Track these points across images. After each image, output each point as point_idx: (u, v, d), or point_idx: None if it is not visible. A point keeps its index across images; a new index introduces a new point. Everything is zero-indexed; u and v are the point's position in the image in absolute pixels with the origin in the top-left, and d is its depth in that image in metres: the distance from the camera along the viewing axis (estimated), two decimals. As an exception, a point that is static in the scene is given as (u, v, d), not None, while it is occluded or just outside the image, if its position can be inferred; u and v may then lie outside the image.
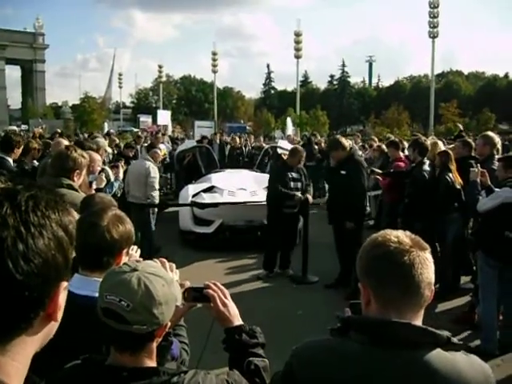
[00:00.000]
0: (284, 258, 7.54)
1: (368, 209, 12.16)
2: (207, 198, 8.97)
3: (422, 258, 1.37)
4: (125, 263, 1.48)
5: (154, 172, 8.10)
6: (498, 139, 6.75)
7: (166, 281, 1.44)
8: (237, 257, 8.21)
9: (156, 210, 8.47)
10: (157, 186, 8.20)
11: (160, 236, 8.70)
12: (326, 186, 11.60)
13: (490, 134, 6.70)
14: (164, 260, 2.74)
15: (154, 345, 1.44)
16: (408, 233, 1.44)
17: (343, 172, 6.73)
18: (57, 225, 0.81)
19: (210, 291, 1.74)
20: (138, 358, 1.41)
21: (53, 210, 0.81)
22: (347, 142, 7.17)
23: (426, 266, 1.37)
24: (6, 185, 0.80)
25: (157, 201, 8.27)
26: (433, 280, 1.39)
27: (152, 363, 1.43)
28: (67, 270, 0.85)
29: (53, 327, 0.85)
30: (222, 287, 1.80)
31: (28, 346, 0.81)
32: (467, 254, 6.71)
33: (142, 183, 7.92)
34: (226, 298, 1.77)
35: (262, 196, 8.86)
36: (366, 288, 1.43)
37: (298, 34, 58.85)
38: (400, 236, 1.40)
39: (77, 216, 1.91)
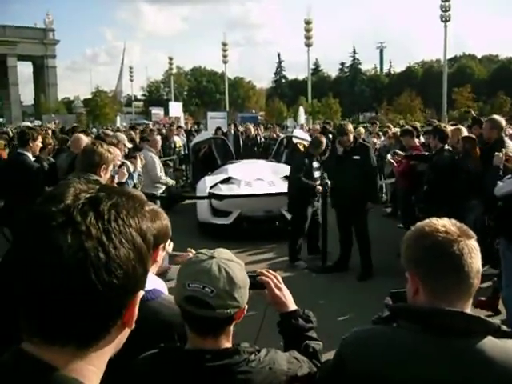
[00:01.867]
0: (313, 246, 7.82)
1: (384, 196, 12.16)
2: (224, 189, 8.98)
3: (471, 247, 1.38)
4: (199, 251, 1.53)
5: (152, 160, 8.30)
6: (505, 122, 6.73)
7: (241, 265, 1.52)
8: (256, 247, 8.23)
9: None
10: (158, 173, 8.33)
11: (178, 228, 8.64)
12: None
13: (497, 117, 6.63)
14: (191, 250, 2.79)
15: (232, 327, 1.51)
16: (454, 221, 1.44)
17: (356, 157, 6.81)
18: (137, 233, 0.81)
19: (264, 278, 1.78)
20: (219, 341, 1.48)
21: (133, 218, 0.82)
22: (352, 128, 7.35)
23: (475, 255, 1.38)
24: (89, 192, 0.81)
25: (169, 182, 8.49)
26: (480, 268, 1.40)
27: (229, 344, 1.50)
28: (145, 279, 0.86)
29: (126, 333, 0.87)
30: (274, 273, 1.84)
31: (104, 352, 0.83)
32: (487, 241, 6.66)
33: (144, 173, 8.01)
34: (280, 282, 1.81)
35: (279, 186, 8.87)
36: (414, 277, 1.43)
37: (308, 22, 58.44)
38: (447, 225, 1.40)
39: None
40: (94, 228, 0.76)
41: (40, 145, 6.36)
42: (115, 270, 0.77)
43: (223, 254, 1.51)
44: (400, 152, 7.84)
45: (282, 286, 1.82)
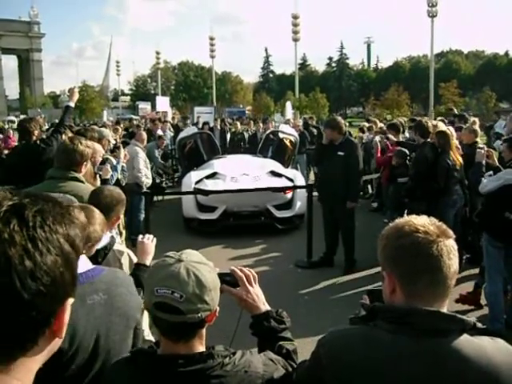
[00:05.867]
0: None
1: (370, 191, 12.23)
2: (210, 185, 8.95)
3: (449, 248, 1.37)
4: (166, 255, 1.49)
5: (136, 154, 8.23)
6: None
7: (210, 267, 1.48)
8: (241, 243, 8.19)
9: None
10: (141, 167, 8.28)
11: (163, 223, 8.72)
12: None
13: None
14: (149, 235, 2.77)
15: (204, 330, 1.49)
16: (433, 220, 1.42)
17: (341, 153, 6.74)
18: (64, 239, 0.78)
19: (226, 287, 1.72)
20: (191, 345, 1.45)
21: (60, 224, 0.79)
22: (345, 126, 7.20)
23: (453, 256, 1.37)
24: (12, 199, 0.77)
25: (144, 181, 8.33)
26: (458, 268, 1.39)
27: (203, 348, 1.48)
28: (74, 286, 0.82)
29: (56, 344, 0.83)
30: (248, 272, 1.79)
31: (32, 364, 0.79)
32: (467, 235, 6.73)
33: (130, 168, 7.95)
34: (250, 284, 1.76)
35: (265, 181, 8.86)
36: (391, 277, 1.42)
37: (295, 17, 58.31)
38: (426, 225, 1.39)
39: (83, 217, 1.96)
40: (18, 235, 0.73)
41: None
42: (41, 277, 0.73)
43: (191, 256, 1.47)
44: (392, 137, 7.97)
45: (254, 286, 1.77)
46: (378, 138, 8.81)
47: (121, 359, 1.51)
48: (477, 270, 5.81)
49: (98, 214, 2.45)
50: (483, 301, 5.39)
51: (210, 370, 1.40)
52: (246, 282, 1.76)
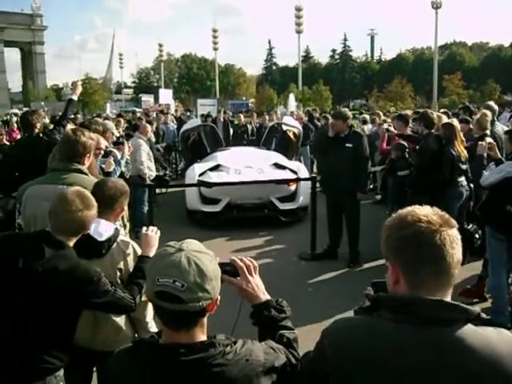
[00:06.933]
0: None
1: (373, 183, 12.19)
2: (214, 177, 8.94)
3: (452, 237, 1.36)
4: (167, 244, 1.49)
5: (139, 146, 8.28)
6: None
7: (211, 256, 1.49)
8: (245, 235, 8.22)
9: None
10: (144, 160, 8.31)
11: (166, 215, 8.73)
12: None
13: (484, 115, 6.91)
14: (153, 228, 2.78)
15: (205, 319, 1.49)
16: (436, 209, 1.42)
17: (349, 145, 6.72)
18: None
19: (227, 277, 1.71)
20: (193, 334, 1.46)
21: None
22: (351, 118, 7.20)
23: (456, 245, 1.37)
24: None
25: (147, 173, 8.35)
26: (461, 257, 1.38)
27: (204, 337, 1.48)
28: None
29: None
30: (248, 262, 1.79)
31: None
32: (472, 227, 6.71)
33: (133, 161, 7.96)
34: (250, 273, 1.77)
35: (268, 173, 8.85)
36: (394, 267, 1.41)
37: (298, 9, 57.91)
38: (429, 214, 1.38)
39: None
40: None
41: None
42: None
43: (192, 245, 1.48)
44: (393, 130, 8.00)
45: (254, 276, 1.78)
46: (385, 126, 8.84)
47: (122, 349, 1.52)
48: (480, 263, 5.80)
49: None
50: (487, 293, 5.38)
51: (211, 358, 1.41)
52: (246, 272, 1.76)
